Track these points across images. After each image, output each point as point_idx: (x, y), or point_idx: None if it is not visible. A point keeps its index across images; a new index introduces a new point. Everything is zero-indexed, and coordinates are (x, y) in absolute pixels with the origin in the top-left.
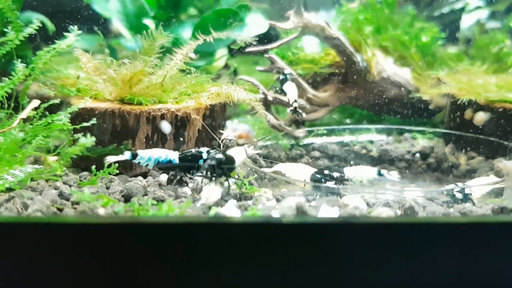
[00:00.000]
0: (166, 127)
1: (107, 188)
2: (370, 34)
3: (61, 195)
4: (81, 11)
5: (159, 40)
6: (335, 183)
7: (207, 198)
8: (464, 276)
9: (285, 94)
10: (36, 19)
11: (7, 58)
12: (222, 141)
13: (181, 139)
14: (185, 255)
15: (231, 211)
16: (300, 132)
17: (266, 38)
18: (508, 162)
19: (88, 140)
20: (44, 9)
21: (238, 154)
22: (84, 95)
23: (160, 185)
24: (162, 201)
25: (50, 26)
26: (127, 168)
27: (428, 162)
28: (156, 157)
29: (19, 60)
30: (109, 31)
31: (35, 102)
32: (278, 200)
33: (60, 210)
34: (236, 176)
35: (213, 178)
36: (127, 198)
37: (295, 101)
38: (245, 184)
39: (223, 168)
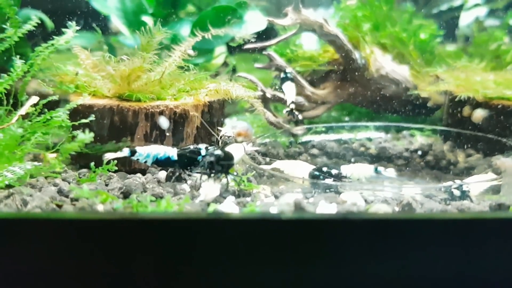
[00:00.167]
0: (163, 122)
1: (106, 184)
2: (368, 31)
3: (60, 191)
4: (79, 8)
5: (158, 37)
6: (334, 180)
7: (205, 195)
8: (462, 272)
9: (284, 92)
10: (35, 16)
11: (6, 55)
12: (220, 138)
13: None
14: (184, 251)
15: (230, 207)
16: (298, 129)
17: (265, 35)
18: (506, 159)
19: (87, 136)
20: (42, 6)
21: (237, 151)
22: (82, 91)
23: (158, 181)
24: (161, 197)
25: (49, 23)
26: (125, 164)
27: (426, 159)
28: (154, 154)
29: (18, 56)
30: (108, 28)
31: (34, 99)
32: (276, 197)
33: (59, 206)
34: (235, 173)
35: (212, 175)
36: (126, 195)
37: (292, 102)
38: (243, 181)
39: (222, 165)
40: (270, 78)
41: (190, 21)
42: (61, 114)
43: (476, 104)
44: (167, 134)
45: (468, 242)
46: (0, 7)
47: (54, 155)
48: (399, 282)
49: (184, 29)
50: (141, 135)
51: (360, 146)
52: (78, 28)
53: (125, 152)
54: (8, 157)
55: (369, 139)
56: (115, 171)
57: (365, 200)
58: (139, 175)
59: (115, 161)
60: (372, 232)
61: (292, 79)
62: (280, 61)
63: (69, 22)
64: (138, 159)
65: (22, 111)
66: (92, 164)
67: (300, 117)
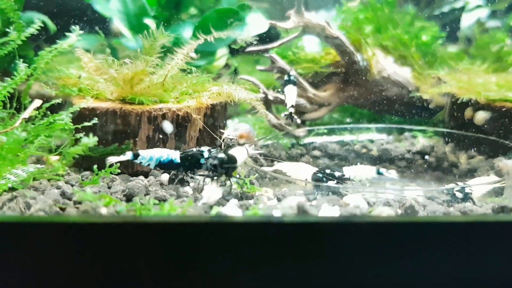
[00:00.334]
0: (167, 126)
1: (109, 187)
2: (370, 34)
3: (63, 194)
4: (82, 11)
5: (160, 39)
6: (337, 183)
7: (208, 198)
8: (464, 275)
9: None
10: (38, 19)
11: (9, 58)
12: (223, 141)
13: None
14: (187, 254)
15: (233, 210)
16: (300, 131)
17: (267, 37)
18: (508, 161)
19: (90, 140)
20: (45, 9)
21: (240, 154)
22: (85, 94)
23: (161, 184)
24: (164, 200)
25: (52, 26)
26: (128, 167)
27: (428, 161)
28: (157, 157)
29: (21, 60)
30: (110, 31)
31: (37, 102)
32: (279, 200)
33: (63, 209)
34: (238, 176)
35: (215, 178)
36: (129, 198)
37: (292, 106)
38: (246, 184)
39: (225, 168)
40: (272, 80)
41: (192, 23)
42: (64, 117)
43: (478, 106)
44: (170, 137)
45: (471, 244)
46: (4, 11)
47: (57, 158)
48: (402, 285)
49: (186, 32)
50: (144, 138)
51: (362, 148)
52: (81, 32)
53: (128, 155)
54: (11, 160)
55: (371, 141)
56: (118, 174)
57: (368, 203)
58: (142, 177)
59: (118, 164)
60: (375, 235)
61: (295, 83)
62: (282, 63)
63: (72, 26)
64: (141, 162)
65: (26, 114)
66: (95, 166)
67: (298, 121)
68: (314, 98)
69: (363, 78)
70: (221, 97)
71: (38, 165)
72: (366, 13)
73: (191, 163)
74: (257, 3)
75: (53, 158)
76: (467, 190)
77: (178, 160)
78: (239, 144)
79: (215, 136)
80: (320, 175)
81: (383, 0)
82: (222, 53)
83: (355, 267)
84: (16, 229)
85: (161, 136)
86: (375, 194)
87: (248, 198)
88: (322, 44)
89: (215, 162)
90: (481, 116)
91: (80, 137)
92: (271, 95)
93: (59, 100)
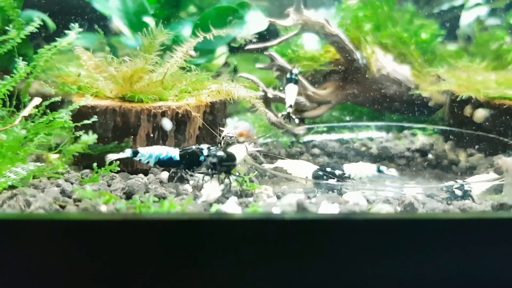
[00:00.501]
0: (167, 124)
1: (109, 185)
2: (369, 31)
3: (63, 192)
4: (81, 9)
5: (159, 37)
6: (337, 180)
7: (208, 195)
8: (464, 272)
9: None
10: (37, 17)
11: (8, 56)
12: (222, 138)
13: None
14: (187, 251)
15: (232, 208)
16: (300, 129)
17: (266, 35)
18: (508, 159)
19: (90, 138)
20: (44, 7)
21: (239, 151)
22: (85, 93)
23: (161, 182)
24: (164, 198)
25: (51, 24)
26: (128, 165)
27: (428, 159)
28: (156, 155)
29: (21, 58)
30: (110, 29)
31: (37, 100)
32: (278, 197)
33: (63, 207)
34: (237, 173)
35: (214, 175)
36: (128, 195)
37: (290, 106)
38: (245, 181)
39: (224, 165)
40: (271, 78)
41: (192, 21)
42: (64, 115)
43: (477, 104)
44: (169, 135)
45: (470, 242)
46: (3, 9)
47: (57, 156)
48: (402, 282)
49: (186, 30)
50: (143, 135)
51: (362, 146)
52: (80, 29)
53: (128, 152)
54: (11, 158)
55: (371, 139)
56: (118, 172)
57: (367, 200)
58: (141, 175)
59: (118, 162)
60: (374, 232)
61: (296, 81)
62: (281, 61)
63: (72, 24)
64: (140, 160)
65: (25, 112)
66: (95, 164)
67: (296, 121)
68: (314, 96)
69: (363, 76)
70: (221, 95)
71: (38, 163)
72: (366, 11)
73: (190, 161)
74: (256, 1)
75: (53, 156)
76: (466, 187)
77: (178, 158)
78: (238, 142)
79: (215, 134)
80: (321, 173)
81: None
82: (221, 51)
83: (355, 264)
84: (16, 227)
85: (160, 133)
86: (374, 192)
87: (248, 196)
88: (322, 42)
89: (214, 160)
90: (481, 114)
91: (80, 135)
92: (271, 93)
93: (58, 98)
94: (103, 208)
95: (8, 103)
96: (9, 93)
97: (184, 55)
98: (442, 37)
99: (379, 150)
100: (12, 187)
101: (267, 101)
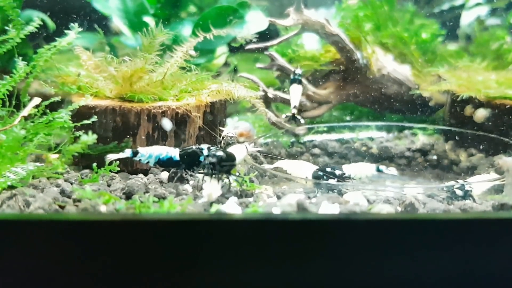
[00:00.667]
0: (167, 124)
1: (108, 185)
2: (370, 31)
3: (62, 192)
4: (81, 9)
5: (159, 37)
6: (337, 181)
7: (208, 195)
8: (464, 272)
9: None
10: (37, 17)
11: (8, 56)
12: (223, 138)
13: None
14: (187, 251)
15: (232, 208)
16: (300, 129)
17: (266, 35)
18: (508, 159)
19: (89, 138)
20: (44, 7)
21: (239, 151)
22: (84, 92)
23: (161, 182)
24: (163, 198)
25: (51, 24)
26: (128, 165)
27: (428, 158)
28: (156, 155)
29: (20, 58)
30: (110, 29)
31: (36, 100)
32: (278, 197)
33: (62, 207)
34: (237, 173)
35: (214, 175)
36: (128, 196)
37: (295, 107)
38: (245, 181)
39: (224, 165)
40: (271, 78)
41: (192, 21)
42: (63, 115)
43: (478, 104)
44: (169, 135)
45: (471, 242)
46: (3, 9)
47: (57, 156)
48: (402, 282)
49: (186, 30)
50: (143, 135)
51: (362, 146)
52: (80, 29)
53: (127, 152)
54: (10, 158)
55: (371, 139)
56: (117, 172)
57: (368, 200)
58: (141, 175)
59: (117, 162)
60: (375, 232)
61: (300, 81)
62: (281, 61)
63: (71, 24)
64: (140, 160)
65: (25, 112)
66: (94, 164)
67: (302, 121)
68: (314, 96)
69: (363, 76)
70: (221, 95)
71: (38, 163)
72: (366, 11)
73: (190, 161)
74: (256, 0)
75: (53, 156)
76: (467, 187)
77: (178, 158)
78: (238, 142)
79: (214, 134)
80: (321, 173)
81: None
82: (221, 51)
83: (355, 264)
84: (15, 227)
85: (160, 133)
86: (375, 192)
87: (248, 196)
88: (322, 42)
89: (214, 160)
90: (481, 114)
91: (79, 135)
92: (271, 93)
93: (58, 98)
94: (103, 208)
95: (7, 103)
96: (8, 93)
97: (184, 55)
98: (443, 37)
99: (379, 150)
100: (11, 187)
101: (267, 101)
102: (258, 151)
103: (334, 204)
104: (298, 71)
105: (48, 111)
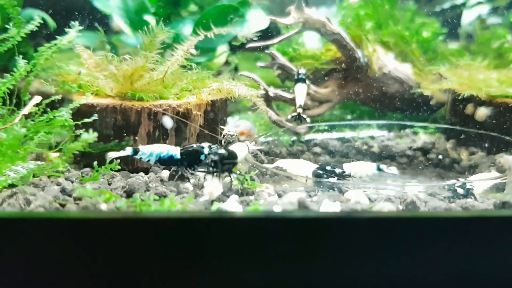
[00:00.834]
0: (167, 122)
1: (109, 184)
2: (371, 30)
3: (63, 191)
4: (82, 8)
5: (160, 36)
6: (338, 179)
7: (209, 194)
8: (466, 271)
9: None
10: (37, 15)
11: (8, 55)
12: (223, 137)
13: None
14: (188, 250)
15: (233, 206)
16: (301, 128)
17: (267, 33)
18: (510, 157)
19: (90, 136)
20: (45, 6)
21: (240, 150)
22: (85, 91)
23: (162, 180)
24: (164, 196)
25: (51, 22)
26: (128, 163)
27: (429, 157)
28: (157, 153)
29: (21, 56)
30: (110, 28)
31: (37, 98)
32: (279, 196)
33: (63, 205)
34: (238, 172)
35: (215, 174)
36: (129, 194)
37: (300, 106)
38: (246, 180)
39: (226, 164)
40: (272, 77)
41: (192, 20)
42: (64, 114)
43: (479, 102)
44: (170, 133)
45: (473, 240)
46: (3, 8)
47: (57, 154)
48: (404, 281)
49: (186, 28)
50: (144, 134)
51: (363, 145)
52: (80, 28)
53: (128, 151)
54: (11, 157)
55: (372, 138)
56: (118, 170)
57: (369, 199)
58: (142, 174)
59: (118, 160)
60: (376, 230)
61: (304, 80)
62: (282, 60)
63: (72, 22)
64: (141, 158)
65: (25, 110)
66: (95, 163)
67: (308, 120)
68: (315, 94)
69: (364, 74)
70: (222, 93)
71: (38, 162)
72: (367, 9)
73: (191, 159)
74: None
75: (53, 154)
76: (468, 186)
77: (178, 156)
78: (239, 141)
79: (213, 135)
80: (321, 171)
81: None
82: (222, 49)
83: (356, 262)
84: (16, 226)
85: (161, 132)
86: (376, 190)
87: (249, 194)
88: (323, 40)
89: (216, 158)
90: (482, 112)
91: (80, 134)
92: (272, 91)
93: (59, 97)
94: (104, 207)
95: (8, 102)
96: (9, 92)
97: (185, 54)
98: (444, 35)
99: (380, 149)
100: (12, 185)
101: (268, 99)
102: (259, 150)
103: (335, 202)
104: (302, 70)
105: (48, 109)
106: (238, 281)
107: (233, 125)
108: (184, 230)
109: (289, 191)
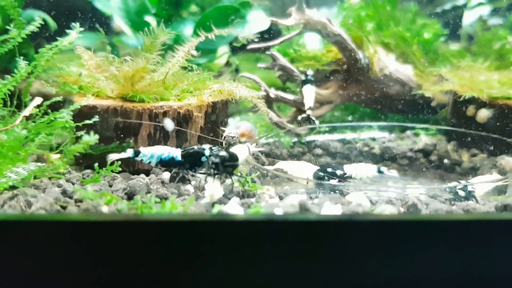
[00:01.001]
0: (168, 124)
1: (110, 185)
2: (372, 31)
3: (64, 193)
4: (82, 9)
5: (161, 37)
6: (339, 181)
7: (210, 196)
8: (467, 273)
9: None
10: (38, 16)
11: (9, 56)
12: (224, 139)
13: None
14: (188, 252)
15: (234, 208)
16: (302, 129)
17: (268, 35)
18: (511, 159)
19: (91, 138)
20: (45, 7)
21: (241, 152)
22: (86, 92)
23: (163, 182)
24: (165, 198)
25: (52, 24)
26: (129, 165)
27: (430, 159)
28: (158, 155)
29: (21, 57)
30: (111, 29)
31: (38, 100)
32: (281, 198)
33: (64, 207)
34: (239, 174)
35: (216, 176)
36: (130, 196)
37: (310, 108)
38: (248, 182)
39: (227, 166)
40: (273, 78)
41: (193, 21)
42: (65, 115)
43: (480, 104)
44: (171, 135)
45: (474, 243)
46: (4, 9)
47: (58, 156)
48: (405, 283)
49: (187, 29)
50: (145, 135)
51: (364, 146)
52: (81, 29)
53: (129, 153)
54: (12, 158)
55: (373, 139)
56: (119, 172)
57: (370, 201)
58: (143, 176)
59: (119, 162)
60: (377, 233)
61: (312, 82)
62: (283, 61)
63: (73, 23)
64: (142, 160)
65: (26, 112)
66: (96, 165)
67: (317, 122)
68: (316, 96)
69: (365, 75)
70: (222, 95)
71: (39, 163)
72: (368, 10)
73: (192, 161)
74: (258, 0)
75: (54, 156)
76: (470, 188)
77: (179, 158)
78: (240, 142)
79: (213, 139)
80: (322, 173)
81: None
82: (223, 51)
83: (358, 264)
84: (17, 228)
85: (162, 133)
86: (377, 193)
87: (250, 196)
88: (324, 42)
89: (217, 160)
90: (484, 114)
91: (81, 135)
92: (273, 93)
93: (59, 98)
94: (105, 209)
95: (9, 103)
96: (10, 93)
97: (186, 55)
98: (445, 36)
99: (381, 150)
100: (13, 187)
101: (269, 101)
102: (260, 151)
103: (337, 204)
104: (310, 72)
105: (49, 111)
106: (239, 284)
107: (233, 127)
108: (185, 233)
109: (290, 193)
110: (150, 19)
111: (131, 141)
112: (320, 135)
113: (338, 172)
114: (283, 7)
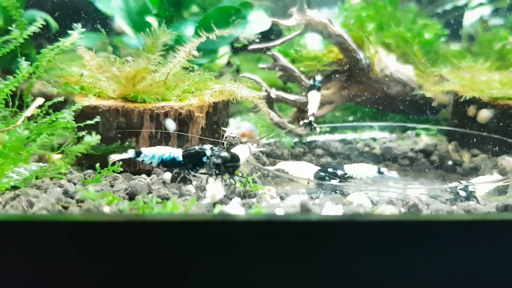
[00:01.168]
0: (170, 124)
1: (112, 186)
2: (373, 31)
3: (66, 193)
4: (84, 9)
5: (162, 37)
6: (339, 181)
7: (211, 196)
8: (468, 274)
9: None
10: (40, 17)
11: (11, 56)
12: (225, 139)
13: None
14: (190, 252)
15: (236, 209)
16: (303, 129)
17: (269, 35)
18: None
19: (93, 138)
20: (47, 7)
21: (242, 152)
22: (87, 93)
23: (164, 183)
24: (167, 199)
25: (54, 24)
26: (131, 165)
27: (431, 159)
28: (159, 155)
29: (23, 58)
30: (112, 29)
31: (39, 100)
32: (282, 198)
33: (65, 208)
34: (240, 174)
35: (217, 176)
36: (131, 196)
37: (313, 114)
38: (249, 182)
39: (228, 166)
40: (274, 79)
41: (194, 21)
42: (67, 116)
43: (481, 104)
44: (172, 135)
45: (475, 243)
46: (6, 9)
47: (60, 156)
48: (406, 284)
49: (188, 30)
50: (146, 136)
51: (365, 146)
52: (83, 29)
53: (131, 153)
54: (13, 159)
55: (374, 139)
56: (121, 172)
57: (371, 201)
58: (144, 176)
59: (120, 162)
60: (378, 233)
61: (319, 88)
62: (284, 61)
63: (74, 24)
64: (143, 160)
65: (28, 112)
66: (98, 165)
67: (317, 129)
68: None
69: (366, 76)
70: (223, 95)
71: (41, 164)
72: (369, 11)
73: (193, 161)
74: (259, 0)
75: (56, 156)
76: (470, 188)
77: (181, 158)
78: (241, 143)
79: (213, 140)
80: (323, 173)
81: None
82: (224, 51)
83: (359, 265)
84: (18, 228)
85: (163, 134)
86: (378, 193)
87: (251, 197)
88: (325, 42)
89: (218, 160)
90: (485, 114)
91: (83, 136)
92: (273, 93)
93: (61, 98)
94: (106, 209)
95: (10, 103)
96: (11, 93)
97: (187, 55)
98: (446, 37)
99: (382, 151)
100: (14, 187)
101: (269, 101)
102: (261, 152)
103: (338, 205)
104: (318, 77)
105: (51, 111)
106: (240, 284)
107: (234, 127)
108: (186, 233)
109: (291, 193)
110: (151, 19)
111: (133, 141)
112: (321, 135)
113: (339, 172)
114: (284, 7)
